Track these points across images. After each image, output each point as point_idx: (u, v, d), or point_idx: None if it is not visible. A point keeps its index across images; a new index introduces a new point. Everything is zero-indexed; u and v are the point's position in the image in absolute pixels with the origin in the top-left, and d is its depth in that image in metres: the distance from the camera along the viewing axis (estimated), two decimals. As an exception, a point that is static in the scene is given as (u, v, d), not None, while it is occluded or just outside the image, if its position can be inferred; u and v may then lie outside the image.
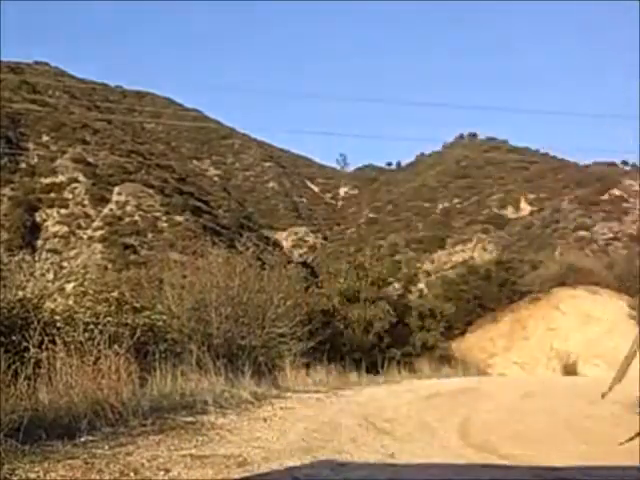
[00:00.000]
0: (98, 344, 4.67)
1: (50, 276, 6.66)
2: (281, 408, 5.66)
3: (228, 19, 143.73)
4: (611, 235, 50.04)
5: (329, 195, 73.79)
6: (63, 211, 42.85)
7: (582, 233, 50.50)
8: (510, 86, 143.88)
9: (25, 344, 4.59)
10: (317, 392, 7.99)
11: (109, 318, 5.60)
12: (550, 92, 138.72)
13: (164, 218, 43.01)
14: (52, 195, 43.54)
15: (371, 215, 65.17)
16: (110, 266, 35.00)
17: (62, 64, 66.49)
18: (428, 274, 49.68)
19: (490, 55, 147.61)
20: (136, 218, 42.76)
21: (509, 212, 59.05)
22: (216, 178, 65.93)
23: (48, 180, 44.30)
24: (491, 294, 20.14)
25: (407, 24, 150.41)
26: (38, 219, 42.02)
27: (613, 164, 62.49)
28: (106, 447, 3.36)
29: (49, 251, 38.97)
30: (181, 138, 69.24)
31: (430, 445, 3.64)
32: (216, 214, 50.40)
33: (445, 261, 53.57)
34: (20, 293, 5.40)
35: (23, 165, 44.90)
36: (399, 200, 64.22)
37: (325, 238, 63.61)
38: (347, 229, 65.13)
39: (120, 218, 42.64)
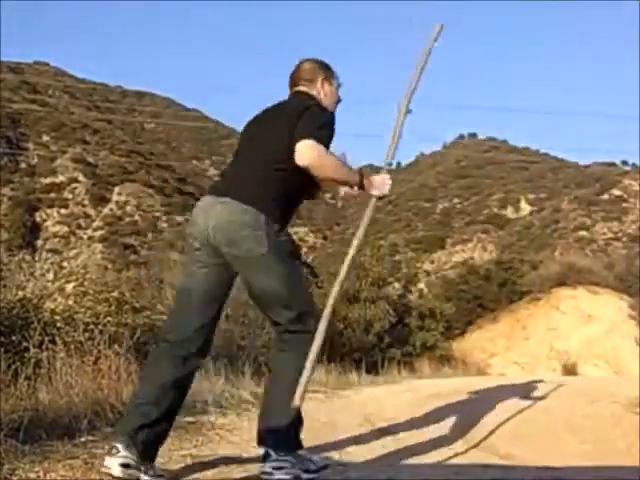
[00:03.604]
0: (98, 344, 4.67)
1: (50, 276, 6.66)
2: (281, 408, 5.65)
3: (228, 19, 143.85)
4: (611, 235, 50.07)
5: (329, 195, 73.73)
6: (63, 211, 42.89)
7: (582, 233, 50.53)
8: (510, 86, 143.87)
9: (25, 344, 4.59)
10: (317, 392, 7.99)
11: (109, 318, 5.59)
12: (550, 92, 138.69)
13: (164, 218, 43.02)
14: (52, 195, 43.57)
15: (371, 215, 65.04)
16: (110, 266, 34.99)
17: (62, 64, 66.60)
18: (428, 274, 49.70)
19: (490, 55, 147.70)
20: (136, 218, 42.78)
21: (509, 212, 59.10)
22: (216, 178, 65.81)
23: (48, 180, 44.32)
24: (491, 294, 20.14)
25: (406, 24, 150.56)
26: (38, 219, 42.05)
27: (613, 164, 62.55)
28: (106, 447, 3.36)
29: (49, 251, 38.98)
30: (181, 138, 69.28)
31: (430, 445, 3.64)
32: (216, 214, 50.25)
33: (445, 261, 53.59)
34: (20, 293, 5.39)
35: (23, 165, 44.92)
36: (399, 200, 64.25)
37: (325, 238, 63.63)
38: (347, 229, 65.17)
39: (120, 218, 42.68)
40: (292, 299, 2.66)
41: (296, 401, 2.54)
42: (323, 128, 2.63)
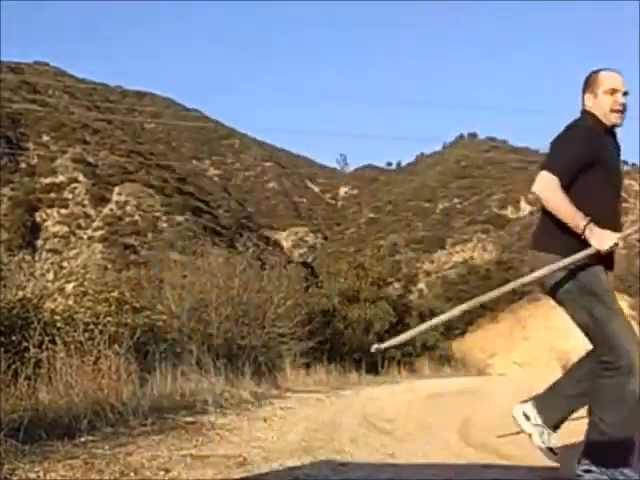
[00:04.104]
0: (98, 344, 4.67)
1: (50, 276, 6.65)
2: (281, 408, 5.67)
3: (228, 19, 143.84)
4: (611, 235, 49.98)
5: (329, 195, 73.86)
6: (63, 211, 42.85)
7: (582, 233, 50.43)
8: (510, 86, 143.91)
9: (25, 344, 4.58)
10: (317, 392, 8.01)
11: (109, 318, 5.60)
12: (550, 92, 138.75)
13: (164, 218, 43.01)
14: (52, 195, 43.52)
15: (371, 215, 65.19)
16: (110, 266, 34.98)
17: (62, 64, 66.66)
18: (428, 274, 49.69)
19: (490, 55, 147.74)
20: (136, 218, 42.76)
21: (509, 212, 59.06)
22: (216, 178, 65.96)
23: (48, 180, 44.28)
24: (491, 294, 20.16)
25: (407, 24, 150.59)
26: (38, 219, 42.01)
27: (613, 164, 62.48)
28: (106, 447, 3.35)
29: (49, 251, 38.94)
30: (181, 138, 69.23)
31: (430, 445, 3.64)
32: (216, 214, 50.39)
33: (445, 261, 53.57)
34: (20, 293, 5.39)
35: (23, 165, 44.88)
36: (399, 200, 64.22)
37: (325, 238, 63.64)
38: (347, 229, 65.15)
39: (120, 218, 42.65)
40: (594, 333, 2.79)
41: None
42: (561, 153, 2.70)
